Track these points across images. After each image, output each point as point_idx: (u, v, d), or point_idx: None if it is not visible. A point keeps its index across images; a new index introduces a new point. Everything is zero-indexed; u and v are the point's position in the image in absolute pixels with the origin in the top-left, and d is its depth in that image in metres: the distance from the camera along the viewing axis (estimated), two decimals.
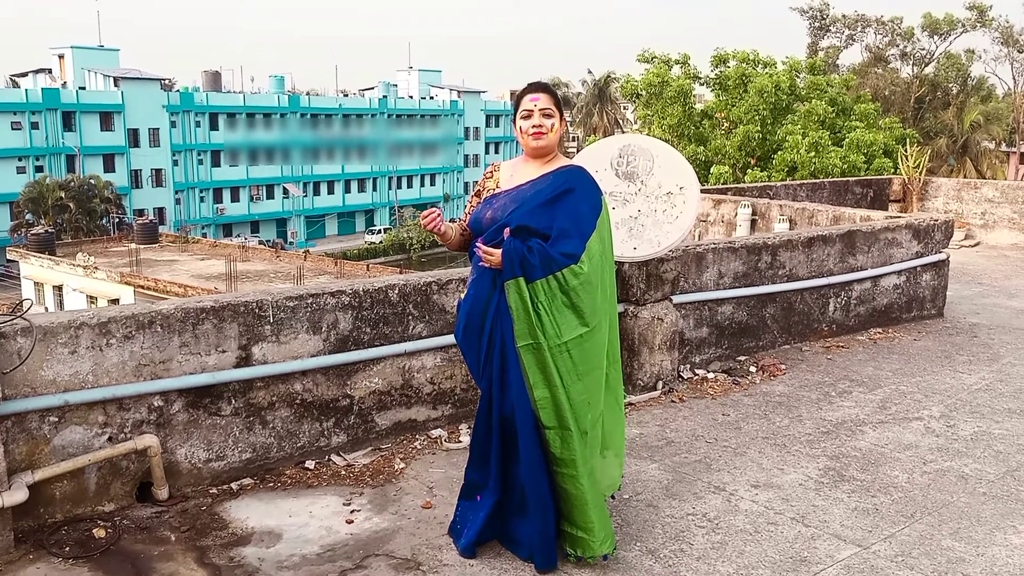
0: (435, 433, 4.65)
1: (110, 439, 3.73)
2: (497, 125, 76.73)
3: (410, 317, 4.54)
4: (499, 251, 3.22)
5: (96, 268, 33.90)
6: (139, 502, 3.84)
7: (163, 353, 3.82)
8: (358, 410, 4.42)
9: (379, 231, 63.71)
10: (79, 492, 3.70)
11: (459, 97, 74.71)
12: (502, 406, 3.32)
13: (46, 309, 34.61)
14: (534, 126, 3.36)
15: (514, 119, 3.47)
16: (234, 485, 4.03)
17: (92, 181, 49.64)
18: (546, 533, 3.30)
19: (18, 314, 3.49)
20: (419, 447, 4.51)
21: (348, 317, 4.33)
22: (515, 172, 3.47)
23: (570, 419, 3.23)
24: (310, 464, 4.25)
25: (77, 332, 3.61)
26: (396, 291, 4.48)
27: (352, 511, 3.82)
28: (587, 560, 3.33)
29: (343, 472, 4.21)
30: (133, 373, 3.75)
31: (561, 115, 3.44)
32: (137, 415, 3.79)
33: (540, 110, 3.37)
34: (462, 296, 3.48)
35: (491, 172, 3.55)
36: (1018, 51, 44.05)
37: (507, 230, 3.26)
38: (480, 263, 3.31)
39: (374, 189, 69.43)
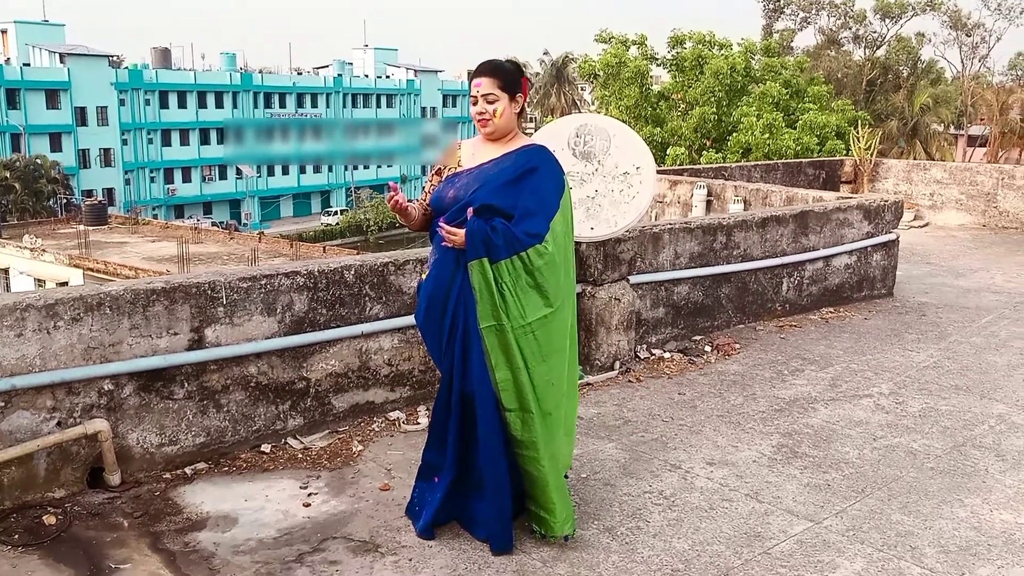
0: (393, 415, 4.63)
1: (59, 424, 3.65)
2: (454, 105, 76.25)
3: (367, 298, 4.50)
4: (463, 231, 3.18)
5: (43, 251, 33.12)
6: (91, 488, 3.77)
7: (113, 336, 3.74)
8: (315, 393, 4.38)
9: (335, 212, 63.08)
10: (28, 478, 3.62)
11: (416, 76, 74.09)
12: (463, 386, 3.31)
13: None
14: (478, 113, 3.34)
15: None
16: (188, 470, 3.97)
17: (38, 161, 48.35)
18: (502, 515, 3.31)
19: None
20: (377, 429, 4.48)
21: (303, 298, 4.28)
22: (476, 151, 3.42)
23: (532, 401, 3.23)
24: (266, 448, 4.20)
25: (23, 314, 3.52)
26: (352, 272, 4.44)
27: (309, 494, 3.79)
28: (549, 539, 3.36)
29: (300, 455, 4.17)
30: (82, 356, 3.67)
31: (511, 94, 3.34)
32: (87, 399, 3.71)
33: (483, 96, 3.32)
34: (423, 277, 3.43)
35: (451, 150, 3.50)
36: (966, 35, 44.91)
37: (470, 210, 3.22)
38: (443, 243, 3.27)
39: (330, 170, 68.63)
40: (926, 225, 12.53)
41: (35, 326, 3.55)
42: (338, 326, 4.40)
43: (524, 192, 3.27)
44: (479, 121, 3.34)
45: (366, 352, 4.54)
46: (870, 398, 5.15)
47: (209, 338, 4.01)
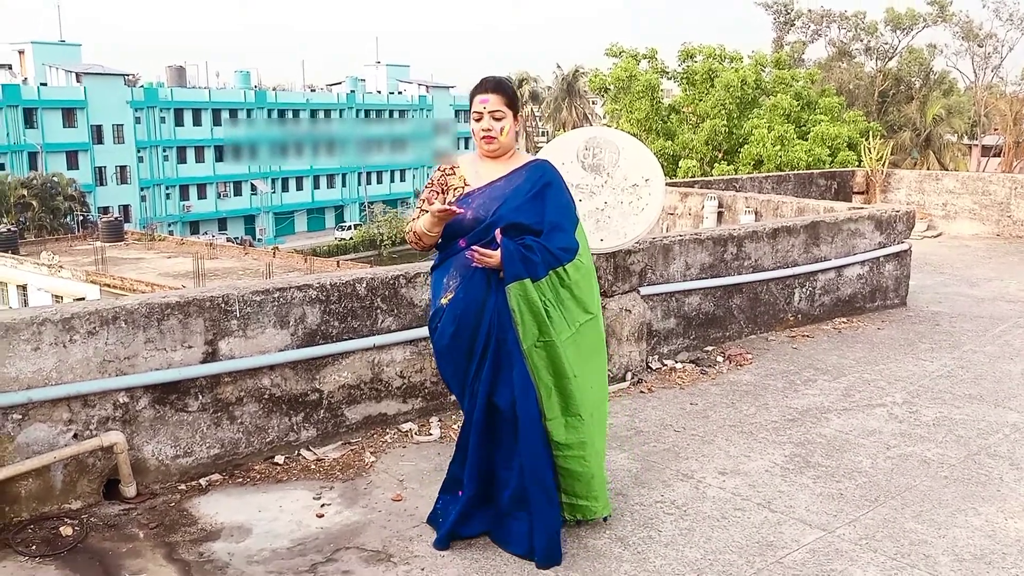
0: (405, 427, 4.65)
1: (75, 436, 3.70)
2: (467, 120, 76.37)
3: (379, 311, 4.54)
4: (497, 253, 3.16)
5: (61, 267, 33.43)
6: (107, 499, 3.81)
7: (128, 349, 3.79)
8: (327, 404, 4.41)
9: (349, 227, 63.33)
10: (45, 490, 3.66)
11: (428, 92, 74.44)
12: (496, 401, 3.28)
13: (11, 309, 34.05)
14: (484, 130, 3.30)
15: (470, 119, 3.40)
16: (203, 481, 4.01)
17: (55, 179, 48.85)
18: (551, 527, 3.28)
19: None
20: (389, 441, 4.51)
21: (316, 311, 4.32)
22: (480, 169, 3.38)
23: (578, 405, 3.29)
24: (279, 459, 4.23)
25: (40, 328, 3.57)
26: (364, 285, 4.48)
27: (322, 505, 3.81)
28: (587, 522, 3.51)
29: (313, 466, 4.20)
30: (98, 369, 3.72)
31: (515, 113, 3.35)
32: (103, 412, 3.75)
33: (490, 112, 3.30)
34: (443, 301, 3.32)
35: (451, 169, 3.44)
36: (978, 45, 44.77)
37: (499, 231, 3.18)
38: (472, 264, 3.22)
39: (343, 185, 69.01)
40: (939, 235, 12.48)
41: (51, 340, 3.60)
42: (350, 338, 4.44)
43: (548, 207, 3.28)
44: (484, 138, 3.31)
45: (378, 364, 4.57)
46: (883, 407, 5.14)
47: (223, 351, 4.05)
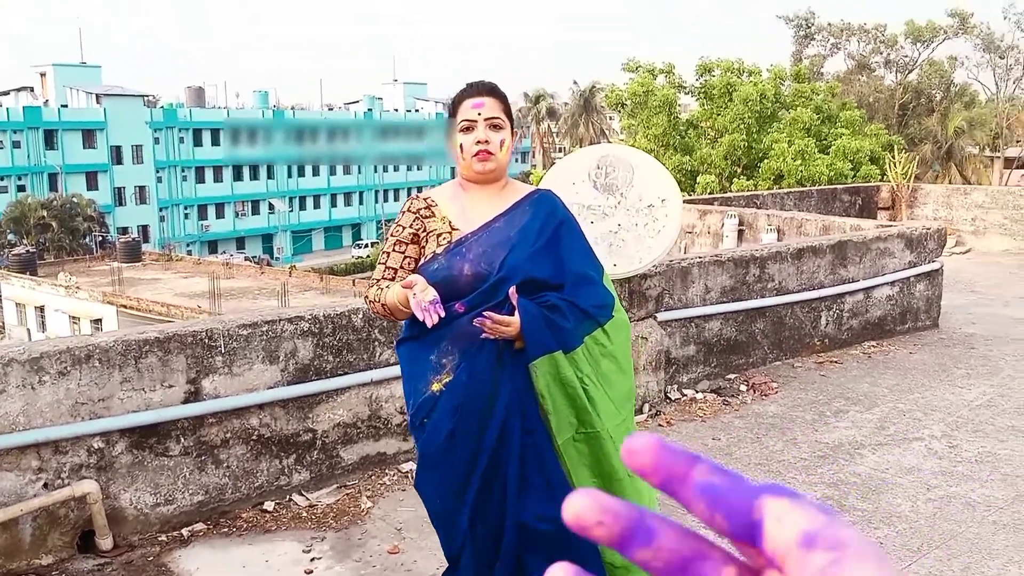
0: (406, 467, 4.34)
1: (46, 486, 3.42)
2: None
3: (376, 343, 4.24)
4: (516, 319, 2.34)
5: (78, 288, 33.47)
6: (81, 553, 3.52)
7: (103, 390, 3.51)
8: (321, 445, 4.12)
9: (366, 245, 63.29)
10: (12, 545, 3.38)
11: (444, 109, 74.39)
12: (523, 518, 2.42)
13: (28, 331, 34.20)
14: (478, 143, 2.45)
15: (449, 132, 2.54)
16: (185, 531, 3.72)
17: (75, 199, 49.12)
18: None
19: None
20: (388, 483, 4.20)
21: (308, 345, 4.03)
22: (467, 206, 2.53)
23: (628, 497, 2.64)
24: (269, 505, 3.93)
25: (6, 369, 3.30)
26: (360, 316, 4.19)
27: (312, 559, 3.51)
28: None
29: (304, 514, 3.89)
30: (69, 413, 3.44)
31: (512, 126, 2.55)
32: (75, 458, 3.47)
33: (486, 120, 2.46)
34: (433, 389, 2.42)
35: (427, 208, 2.55)
36: (1000, 57, 44.19)
37: (513, 290, 2.36)
38: (482, 335, 2.34)
39: (360, 203, 69.09)
40: (968, 251, 12.07)
41: (18, 382, 3.33)
42: (345, 373, 4.15)
43: (568, 254, 2.53)
44: (479, 154, 2.46)
45: (376, 400, 4.27)
46: (921, 441, 4.78)
47: (207, 389, 3.77)
